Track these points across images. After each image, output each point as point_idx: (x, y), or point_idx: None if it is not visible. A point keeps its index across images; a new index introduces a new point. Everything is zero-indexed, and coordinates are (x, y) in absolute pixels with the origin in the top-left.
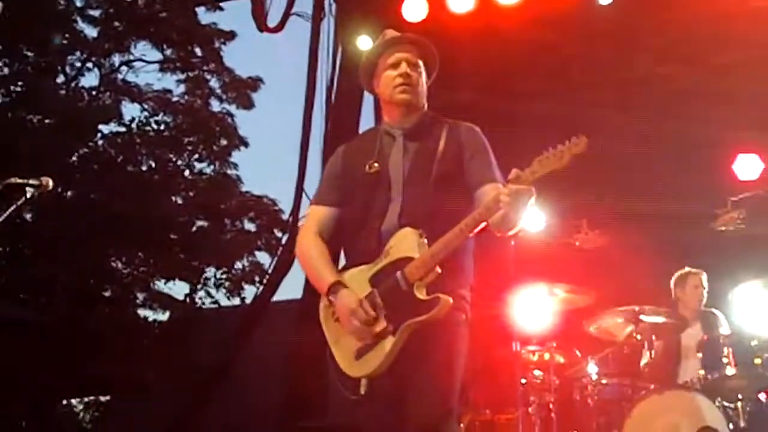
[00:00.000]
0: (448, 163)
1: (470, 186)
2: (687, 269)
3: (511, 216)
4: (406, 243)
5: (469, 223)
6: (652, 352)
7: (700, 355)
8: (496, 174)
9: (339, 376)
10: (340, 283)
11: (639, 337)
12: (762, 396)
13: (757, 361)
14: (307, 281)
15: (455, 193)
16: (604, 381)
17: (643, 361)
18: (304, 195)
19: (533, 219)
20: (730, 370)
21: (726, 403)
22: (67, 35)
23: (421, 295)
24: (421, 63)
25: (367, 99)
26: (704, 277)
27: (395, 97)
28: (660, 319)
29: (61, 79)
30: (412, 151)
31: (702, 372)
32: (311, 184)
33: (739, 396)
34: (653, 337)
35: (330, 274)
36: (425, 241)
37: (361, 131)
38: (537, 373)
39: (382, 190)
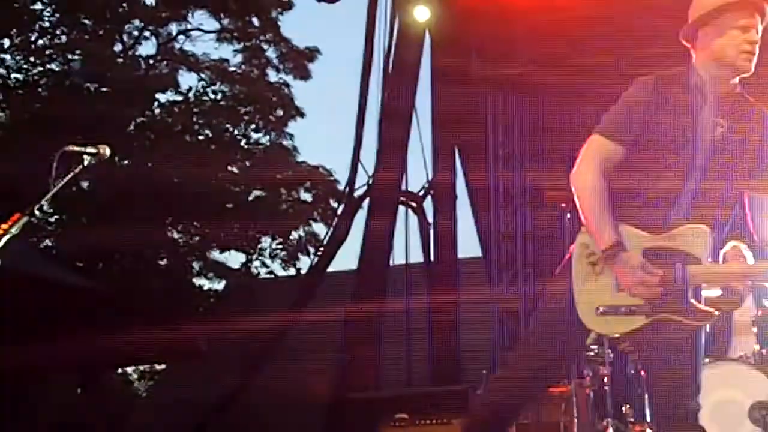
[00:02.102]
0: (752, 160)
1: (756, 188)
2: (731, 243)
3: None
4: (698, 242)
5: None
6: (708, 326)
7: (755, 329)
8: None
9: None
10: (622, 245)
11: None
12: None
13: None
14: (362, 252)
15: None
16: None
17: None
18: (360, 166)
19: None
20: None
21: None
22: (124, 3)
23: (690, 297)
24: None
25: (424, 69)
26: (744, 247)
27: (739, 62)
28: (715, 293)
29: (118, 47)
30: (721, 130)
31: (757, 347)
32: (367, 155)
33: None
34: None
35: (612, 230)
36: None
37: (415, 104)
38: (592, 346)
39: (681, 157)
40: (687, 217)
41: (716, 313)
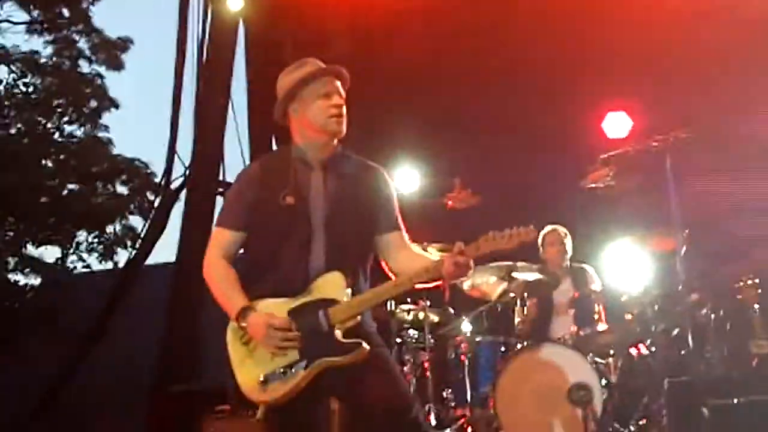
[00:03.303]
0: (365, 205)
1: (377, 229)
2: (549, 227)
3: (446, 280)
4: (333, 285)
5: (404, 282)
6: (525, 309)
7: (572, 311)
8: (401, 223)
9: (238, 397)
10: (251, 308)
11: (512, 294)
12: (633, 351)
13: (628, 316)
14: (180, 244)
15: (370, 235)
16: (478, 339)
17: (517, 318)
18: (176, 157)
19: (407, 179)
20: (602, 326)
21: (598, 359)
22: None
23: (339, 337)
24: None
25: (239, 58)
26: (563, 232)
27: (329, 126)
28: (532, 276)
29: None
30: (331, 186)
31: (574, 328)
32: (183, 146)
33: (611, 351)
34: (526, 295)
35: (240, 298)
36: (349, 289)
37: (231, 93)
38: (411, 332)
39: (300, 224)
40: (325, 269)
41: (366, 346)
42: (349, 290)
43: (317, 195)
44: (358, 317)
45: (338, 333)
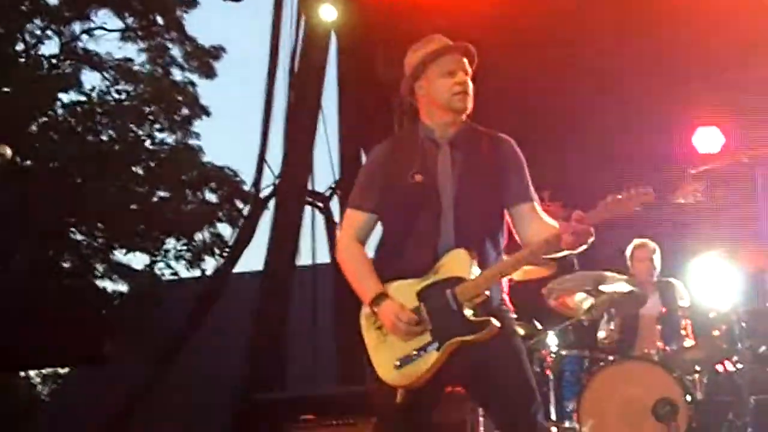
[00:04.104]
0: (495, 178)
1: (508, 201)
2: (637, 241)
3: (562, 251)
4: (459, 263)
5: (526, 256)
6: (612, 323)
7: (658, 327)
8: (533, 193)
9: (377, 379)
10: (385, 294)
11: (599, 308)
12: (719, 368)
13: (715, 333)
14: (269, 253)
15: (500, 209)
16: (563, 353)
17: (602, 332)
18: (266, 166)
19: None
20: (689, 342)
21: (684, 375)
22: (26, 2)
23: (469, 315)
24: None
25: (330, 69)
26: (652, 247)
27: (453, 104)
28: (620, 290)
29: (20, 47)
30: (459, 162)
31: (660, 344)
32: (273, 155)
33: (697, 368)
34: (612, 309)
35: (374, 283)
36: (476, 265)
37: (322, 101)
38: None
39: (430, 202)
40: (454, 247)
41: (497, 323)
42: (476, 267)
43: (445, 173)
44: (486, 293)
45: (468, 311)
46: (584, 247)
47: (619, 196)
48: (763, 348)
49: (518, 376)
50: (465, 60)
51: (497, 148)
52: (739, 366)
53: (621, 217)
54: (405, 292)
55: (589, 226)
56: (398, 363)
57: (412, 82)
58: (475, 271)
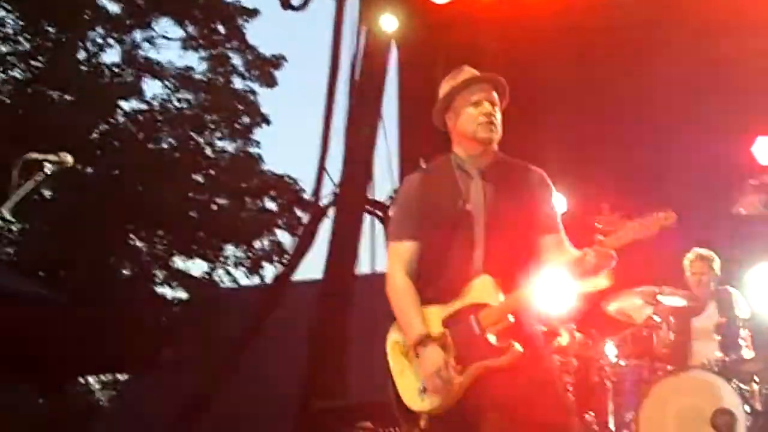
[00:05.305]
0: (525, 210)
1: (536, 230)
2: (696, 251)
3: (589, 276)
4: (484, 289)
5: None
6: (671, 333)
7: (717, 337)
8: (560, 224)
9: (398, 405)
10: (430, 338)
11: (657, 318)
12: None
13: None
14: (328, 261)
15: (530, 240)
16: (622, 362)
17: (660, 342)
18: (325, 174)
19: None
20: (748, 353)
21: (742, 386)
22: (88, 11)
23: (492, 340)
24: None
25: (391, 78)
26: (711, 256)
27: (480, 134)
28: (678, 301)
29: (82, 55)
30: (490, 193)
31: (719, 354)
32: (333, 164)
33: (756, 379)
34: (671, 319)
35: (420, 323)
36: (501, 292)
37: (383, 111)
38: (555, 356)
39: (463, 230)
40: (481, 273)
41: (519, 347)
42: (501, 294)
43: (477, 204)
44: (510, 319)
45: (491, 337)
46: (606, 268)
47: (641, 222)
48: None
49: (550, 398)
50: (494, 92)
51: (527, 179)
52: None
53: (674, 229)
54: (432, 318)
55: (610, 249)
56: (422, 388)
57: (442, 113)
58: (500, 297)
